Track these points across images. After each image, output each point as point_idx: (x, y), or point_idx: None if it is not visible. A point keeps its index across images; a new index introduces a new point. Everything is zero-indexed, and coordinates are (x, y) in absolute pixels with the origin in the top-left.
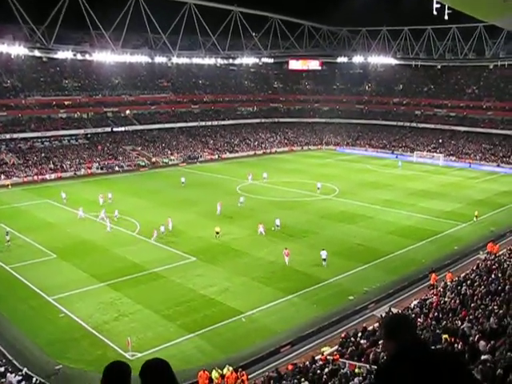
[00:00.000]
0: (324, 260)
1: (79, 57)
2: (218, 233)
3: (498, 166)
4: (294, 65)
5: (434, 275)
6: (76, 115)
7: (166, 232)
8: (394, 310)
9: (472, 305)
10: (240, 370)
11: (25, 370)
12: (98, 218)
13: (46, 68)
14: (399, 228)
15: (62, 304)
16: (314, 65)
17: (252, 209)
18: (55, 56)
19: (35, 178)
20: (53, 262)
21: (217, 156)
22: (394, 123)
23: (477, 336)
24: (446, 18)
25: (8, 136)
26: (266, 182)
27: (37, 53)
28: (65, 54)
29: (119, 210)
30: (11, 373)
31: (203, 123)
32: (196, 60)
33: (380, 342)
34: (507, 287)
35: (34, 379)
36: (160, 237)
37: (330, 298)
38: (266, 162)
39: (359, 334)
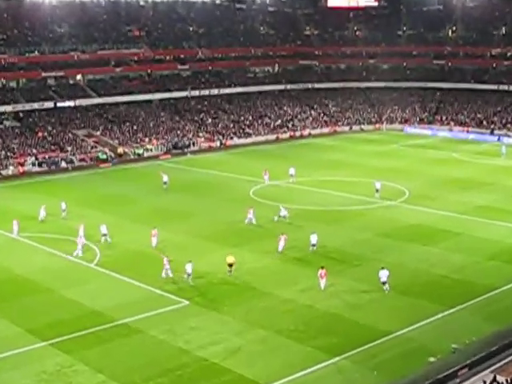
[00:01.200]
0: (384, 284)
1: None
2: (231, 265)
3: None
4: (336, 0)
5: None
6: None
7: (191, 276)
8: (501, 379)
9: None
10: None
11: None
12: (78, 238)
13: None
14: (505, 249)
15: None
16: None
17: (274, 224)
18: None
19: None
20: None
21: (218, 143)
22: (494, 87)
23: None
24: None
25: None
26: (294, 181)
27: None
28: None
29: (65, 228)
30: None
31: (196, 93)
32: None
33: None
34: None
35: None
36: (181, 285)
37: (399, 361)
38: (295, 150)
39: None
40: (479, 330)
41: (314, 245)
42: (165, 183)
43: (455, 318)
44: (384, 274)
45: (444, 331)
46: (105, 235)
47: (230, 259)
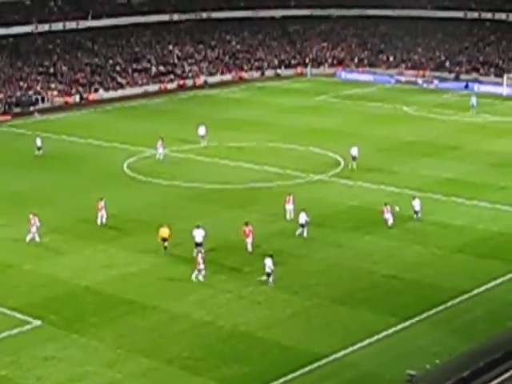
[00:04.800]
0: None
1: None
2: (165, 240)
3: None
4: None
5: None
6: None
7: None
8: None
9: None
10: None
11: None
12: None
13: None
14: (478, 238)
15: None
16: None
17: (161, 208)
18: None
19: None
20: None
21: (78, 98)
22: (460, 14)
23: None
24: None
25: None
26: (206, 145)
27: None
28: None
29: None
30: None
31: (45, 27)
32: None
33: None
34: None
35: None
36: (31, 297)
37: None
38: (186, 105)
39: None
40: (443, 350)
41: (417, 212)
42: (39, 149)
43: (410, 335)
44: (268, 263)
45: (396, 353)
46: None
47: (164, 232)
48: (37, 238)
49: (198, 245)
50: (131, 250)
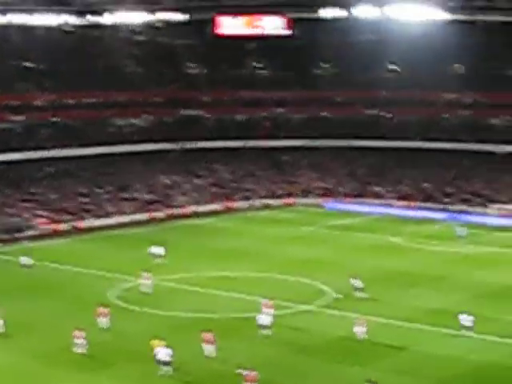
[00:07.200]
0: None
1: None
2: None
3: None
4: (229, 26)
5: None
6: None
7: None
8: None
9: None
10: None
11: None
12: None
13: None
14: (469, 370)
15: None
16: (273, 25)
17: (144, 338)
18: None
19: None
20: None
21: (66, 226)
22: (449, 146)
23: None
24: None
25: None
26: (163, 263)
27: None
28: None
29: None
30: None
31: (33, 154)
32: (20, 18)
33: None
34: None
35: None
36: None
37: None
38: (174, 234)
39: None
40: None
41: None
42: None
43: None
44: None
45: None
46: None
47: (158, 345)
48: (80, 350)
49: (165, 364)
50: (119, 378)
